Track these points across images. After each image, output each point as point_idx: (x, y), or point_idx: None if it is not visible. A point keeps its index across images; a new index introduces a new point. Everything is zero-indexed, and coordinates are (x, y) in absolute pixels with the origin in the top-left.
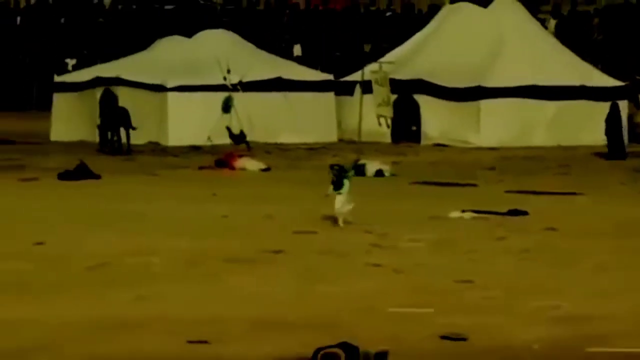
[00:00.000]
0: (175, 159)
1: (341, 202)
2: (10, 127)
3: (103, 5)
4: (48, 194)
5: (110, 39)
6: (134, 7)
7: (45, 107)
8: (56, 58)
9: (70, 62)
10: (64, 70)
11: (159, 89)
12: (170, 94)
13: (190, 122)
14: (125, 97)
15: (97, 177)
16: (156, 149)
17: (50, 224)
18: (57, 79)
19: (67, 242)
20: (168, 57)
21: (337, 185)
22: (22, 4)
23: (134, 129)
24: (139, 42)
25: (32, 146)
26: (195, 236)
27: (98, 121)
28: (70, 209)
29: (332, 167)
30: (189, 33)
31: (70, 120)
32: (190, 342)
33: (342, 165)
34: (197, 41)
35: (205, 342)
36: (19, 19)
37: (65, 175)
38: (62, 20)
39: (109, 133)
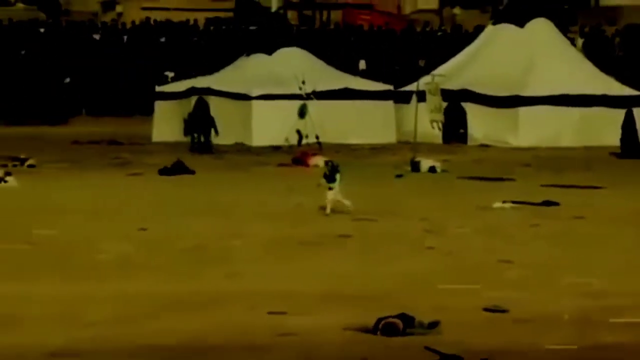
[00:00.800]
0: (258, 157)
1: (332, 194)
2: (118, 130)
3: (197, 26)
4: (150, 187)
5: (203, 56)
6: (224, 27)
7: (147, 113)
8: (157, 71)
9: (170, 74)
10: (164, 81)
11: (245, 97)
12: (254, 102)
13: (271, 125)
14: (215, 105)
15: (192, 172)
16: (242, 149)
17: (152, 212)
18: (158, 89)
19: (166, 227)
20: (252, 71)
21: (330, 179)
22: (129, 25)
23: (216, 133)
24: (227, 59)
25: (136, 146)
26: (274, 222)
27: (182, 125)
28: (169, 200)
29: (327, 163)
30: (269, 51)
31: (168, 124)
32: (270, 313)
33: (335, 162)
34: (277, 58)
35: (284, 313)
36: (125, 37)
37: (165, 171)
38: (163, 39)
39: (195, 135)
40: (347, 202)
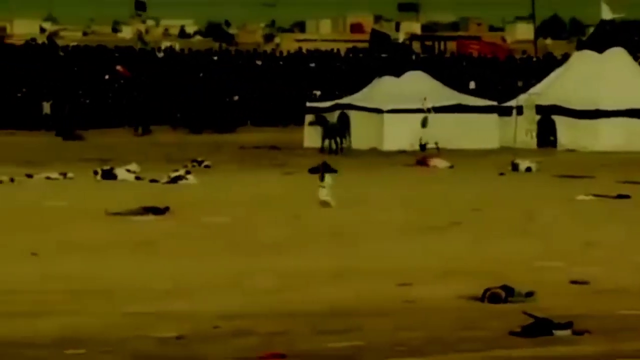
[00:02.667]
0: (388, 159)
1: (324, 192)
2: (276, 137)
3: (340, 54)
4: (301, 183)
5: (345, 78)
6: (361, 55)
7: (299, 123)
8: (307, 90)
9: (317, 93)
10: (312, 99)
11: (378, 111)
12: (385, 115)
13: (398, 134)
14: (354, 117)
15: (335, 171)
16: (375, 152)
17: (303, 203)
18: (308, 104)
19: (315, 215)
20: (383, 90)
21: (321, 178)
22: (285, 53)
23: (344, 139)
24: (364, 80)
25: (291, 150)
26: (402, 210)
27: (322, 133)
28: (316, 193)
29: (320, 166)
30: (398, 74)
31: (316, 133)
32: (398, 285)
33: (328, 164)
34: (403, 80)
35: (409, 284)
36: (282, 63)
37: (313, 170)
38: (312, 64)
39: (328, 141)
40: (330, 198)
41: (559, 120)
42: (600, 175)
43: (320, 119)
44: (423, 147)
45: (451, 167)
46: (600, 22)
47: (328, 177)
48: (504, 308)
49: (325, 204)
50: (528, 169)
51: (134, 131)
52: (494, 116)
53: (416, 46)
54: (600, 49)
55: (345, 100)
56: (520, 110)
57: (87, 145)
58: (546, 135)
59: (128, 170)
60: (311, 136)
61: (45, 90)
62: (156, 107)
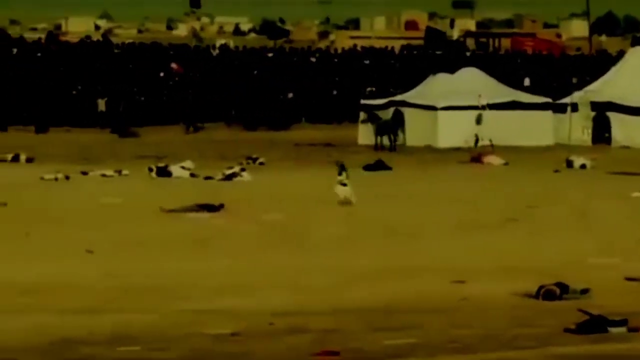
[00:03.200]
0: (442, 156)
1: (342, 188)
2: (331, 135)
3: (394, 52)
4: (354, 181)
5: (399, 75)
6: (415, 52)
7: (354, 120)
8: (362, 87)
9: (371, 90)
10: (367, 96)
11: (432, 108)
12: (439, 112)
13: (453, 131)
14: (408, 115)
15: (389, 168)
16: (429, 150)
17: (358, 200)
18: (362, 102)
19: (370, 212)
20: (438, 87)
21: (340, 174)
22: (339, 50)
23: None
24: (418, 77)
25: (345, 147)
26: (457, 207)
27: (375, 130)
28: (371, 191)
29: (336, 162)
30: (452, 71)
31: (369, 130)
32: (453, 282)
33: (343, 163)
34: (458, 76)
35: (464, 281)
36: (336, 60)
37: (368, 167)
38: (367, 61)
39: (380, 138)
40: (352, 196)
41: (614, 117)
42: None
43: (372, 117)
44: (477, 144)
45: (506, 164)
46: None
47: (344, 175)
48: (558, 305)
49: (345, 201)
50: (583, 166)
51: (185, 129)
52: (548, 113)
53: (470, 43)
54: None
55: (399, 97)
56: (575, 107)
57: (142, 143)
58: (601, 132)
59: (183, 168)
60: (365, 133)
61: (100, 88)
62: (211, 105)
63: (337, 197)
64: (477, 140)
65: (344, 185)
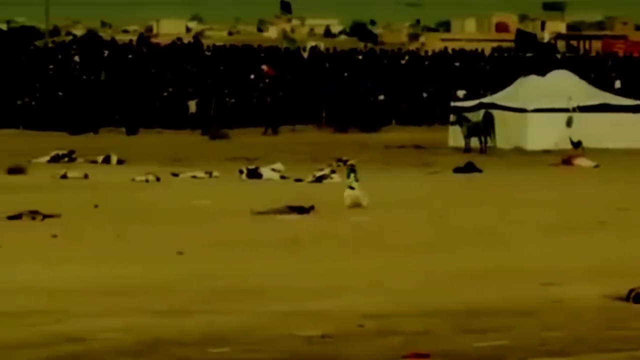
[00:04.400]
0: (532, 158)
1: (350, 192)
2: (421, 137)
3: (484, 54)
4: (446, 183)
5: (489, 77)
6: (505, 55)
7: (444, 122)
8: (451, 89)
9: (461, 92)
10: (456, 98)
11: (522, 111)
12: (529, 114)
13: (543, 133)
14: (498, 117)
15: (480, 171)
16: (519, 152)
17: (448, 203)
18: (452, 104)
19: (459, 215)
20: (528, 89)
21: (348, 177)
22: (430, 52)
23: (487, 137)
24: (508, 80)
25: (435, 150)
26: (547, 210)
27: (466, 132)
28: (461, 193)
29: (347, 166)
30: (542, 73)
31: (459, 132)
32: (543, 284)
33: (353, 167)
34: (548, 79)
35: (554, 284)
36: (427, 62)
37: (458, 170)
38: (457, 64)
39: (470, 140)
40: (363, 200)
41: None
42: None
43: (461, 119)
44: (577, 144)
45: (596, 166)
46: None
47: (352, 177)
48: None
49: (355, 205)
50: None
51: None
52: (639, 116)
53: (561, 45)
54: None
55: (489, 99)
56: None
57: (232, 145)
58: None
59: (273, 170)
60: (456, 136)
61: (191, 90)
62: (301, 107)
63: (345, 202)
64: (577, 143)
65: (352, 188)
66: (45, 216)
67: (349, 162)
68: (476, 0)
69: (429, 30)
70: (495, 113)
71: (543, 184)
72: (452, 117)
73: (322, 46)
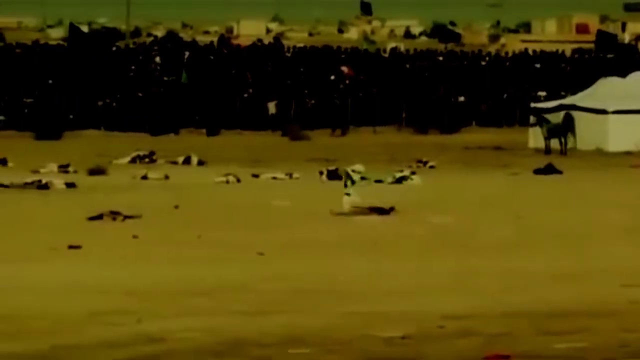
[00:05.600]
0: (612, 160)
1: (347, 198)
2: (501, 138)
3: (565, 55)
4: (526, 184)
5: (569, 79)
6: (586, 56)
7: (524, 123)
8: (532, 91)
9: (542, 94)
10: (537, 100)
11: (603, 112)
12: (610, 116)
13: (624, 134)
14: (578, 118)
15: (560, 172)
16: (600, 153)
17: (527, 204)
18: (532, 105)
19: (539, 216)
20: (608, 91)
21: (346, 184)
22: (510, 53)
23: (568, 139)
24: (589, 81)
25: (515, 151)
26: (628, 212)
27: (546, 134)
28: (541, 194)
29: (342, 171)
30: (623, 75)
31: (539, 133)
32: (623, 285)
33: (347, 171)
34: (629, 80)
35: (634, 285)
36: (507, 63)
37: (539, 171)
38: (537, 65)
39: (550, 141)
40: (361, 203)
41: None
42: None
43: (541, 120)
44: None
45: None
46: None
47: (349, 184)
48: None
49: (356, 210)
50: None
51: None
52: None
53: None
54: None
55: (569, 100)
56: None
57: (312, 146)
58: None
59: (353, 171)
60: (536, 137)
61: (271, 91)
62: (381, 108)
63: (344, 208)
64: None
65: (348, 195)
66: (126, 217)
67: (343, 168)
68: (557, 1)
69: (510, 32)
70: (576, 114)
71: (623, 185)
72: (532, 119)
73: (402, 47)
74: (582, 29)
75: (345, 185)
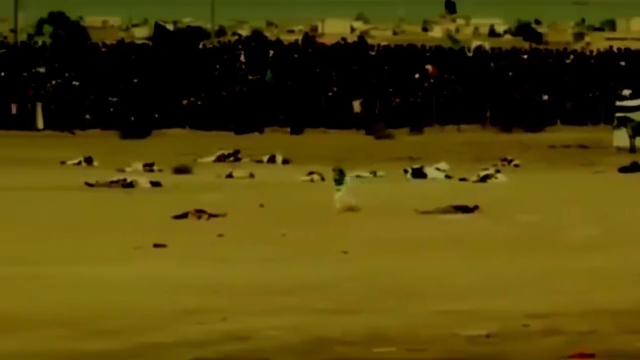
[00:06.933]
0: None
1: (339, 196)
2: (585, 136)
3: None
4: (611, 182)
5: None
6: None
7: (609, 122)
8: (616, 90)
9: (626, 92)
10: (622, 98)
11: None
12: None
13: None
14: None
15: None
16: None
17: (613, 202)
18: (617, 103)
19: (624, 214)
20: None
21: (338, 182)
22: (595, 51)
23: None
24: None
25: (600, 150)
26: None
27: (631, 132)
28: (626, 193)
29: (334, 169)
30: None
31: (624, 132)
32: None
33: (342, 169)
34: None
35: None
36: (592, 61)
37: (623, 169)
38: (622, 63)
39: (636, 139)
40: (353, 202)
41: None
42: None
43: (625, 119)
44: None
45: None
46: None
47: (345, 182)
48: None
49: (348, 209)
50: None
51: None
52: None
53: None
54: None
55: None
56: None
57: (396, 144)
58: None
59: (437, 169)
60: (620, 135)
61: (356, 89)
62: (465, 106)
63: (336, 207)
64: None
65: (339, 191)
66: (211, 215)
67: (335, 167)
68: None
69: (594, 30)
70: None
71: None
72: (615, 121)
73: (486, 46)
74: None
75: (339, 184)
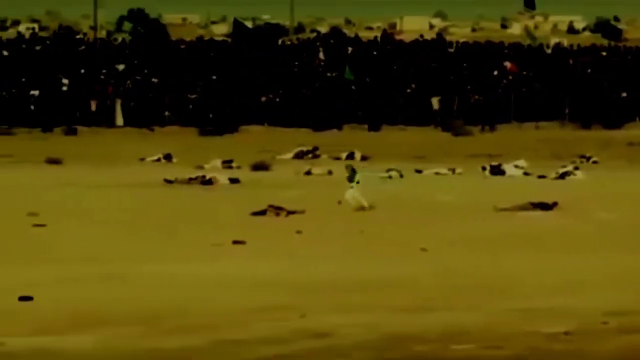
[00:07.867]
0: None
1: (350, 193)
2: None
3: None
4: None
5: None
6: None
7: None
8: None
9: None
10: None
11: None
12: None
13: None
14: None
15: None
16: None
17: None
18: None
19: None
20: None
21: (350, 180)
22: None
23: None
24: None
25: None
26: None
27: None
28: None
29: (347, 167)
30: None
31: None
32: None
33: (354, 167)
34: None
35: None
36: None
37: None
38: None
39: None
40: (364, 201)
41: None
42: None
43: None
44: None
45: None
46: None
47: (356, 179)
48: None
49: (359, 208)
50: None
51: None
52: None
53: None
54: None
55: None
56: None
57: (475, 141)
58: None
59: (516, 166)
60: None
61: (434, 86)
62: (545, 103)
63: (349, 205)
64: None
65: (352, 188)
66: (289, 212)
67: (349, 165)
68: None
69: None
70: None
71: None
72: None
73: (565, 42)
74: None
75: (350, 180)
